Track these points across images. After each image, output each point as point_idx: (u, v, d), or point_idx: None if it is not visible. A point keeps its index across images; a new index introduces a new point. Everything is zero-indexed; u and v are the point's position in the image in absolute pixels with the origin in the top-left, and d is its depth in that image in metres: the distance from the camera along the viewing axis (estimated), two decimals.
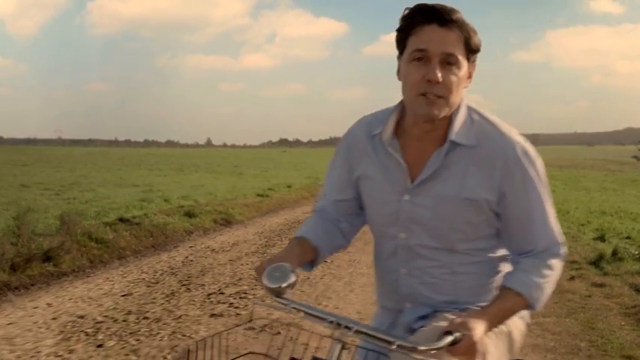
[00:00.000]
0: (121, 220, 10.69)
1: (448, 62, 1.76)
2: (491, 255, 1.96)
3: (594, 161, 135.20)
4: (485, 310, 1.73)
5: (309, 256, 1.92)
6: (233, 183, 24.49)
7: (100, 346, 4.77)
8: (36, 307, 5.89)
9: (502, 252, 1.98)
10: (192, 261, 8.42)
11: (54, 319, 5.48)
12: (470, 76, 1.87)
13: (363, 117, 2.05)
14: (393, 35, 1.86)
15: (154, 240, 10.17)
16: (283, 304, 1.67)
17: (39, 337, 4.96)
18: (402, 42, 1.83)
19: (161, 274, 7.41)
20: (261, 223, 13.19)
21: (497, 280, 1.94)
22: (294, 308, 1.66)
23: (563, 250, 1.87)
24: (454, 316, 1.70)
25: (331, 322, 1.61)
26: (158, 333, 5.08)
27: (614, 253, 9.30)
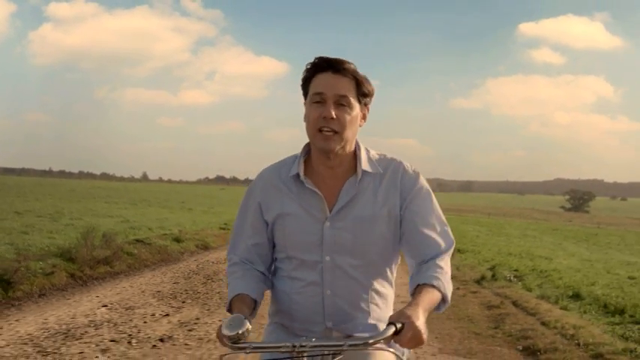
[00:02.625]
0: (137, 240, 14.33)
1: (341, 103, 2.08)
2: (391, 277, 2.29)
3: (522, 210, 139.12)
4: (417, 301, 1.89)
5: (250, 309, 2.07)
6: (191, 217, 27.73)
7: (183, 302, 8.50)
8: (124, 287, 9.56)
9: (392, 280, 2.30)
10: (203, 268, 12.20)
11: (142, 292, 9.19)
12: (364, 117, 2.20)
13: (265, 168, 2.32)
14: None
15: (161, 256, 13.79)
16: (244, 347, 1.83)
17: (144, 298, 8.67)
18: (305, 89, 2.16)
19: (189, 274, 11.18)
20: None
21: (386, 300, 2.28)
22: (255, 347, 1.84)
23: (454, 245, 2.20)
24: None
25: (287, 346, 1.83)
26: (212, 297, 8.83)
27: (493, 275, 13.35)
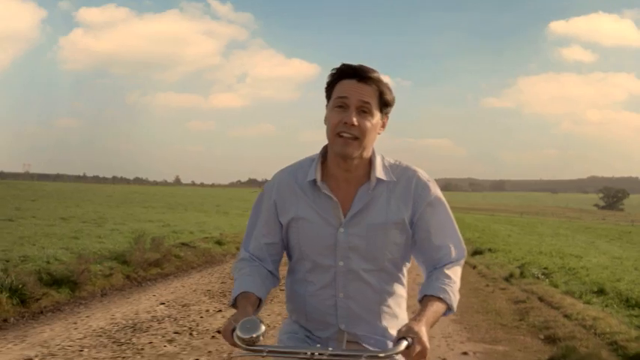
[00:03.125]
0: (183, 244, 15.22)
1: (363, 110, 2.13)
2: (402, 278, 2.36)
3: (555, 208, 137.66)
4: (422, 315, 2.02)
5: (254, 307, 2.12)
6: (227, 221, 28.62)
7: None
8: (176, 287, 10.39)
9: (404, 280, 2.37)
10: None
11: (194, 291, 10.02)
12: (383, 126, 2.25)
13: (281, 170, 2.37)
14: None
15: (206, 258, 14.65)
16: (259, 349, 1.88)
17: (197, 296, 9.50)
18: (328, 93, 2.21)
19: (232, 276, 11.92)
20: None
21: (398, 301, 2.36)
22: (271, 351, 1.89)
23: (465, 255, 2.32)
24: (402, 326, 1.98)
25: (305, 353, 1.87)
26: None
27: (522, 273, 13.97)
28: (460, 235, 2.32)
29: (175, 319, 7.79)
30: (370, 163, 2.26)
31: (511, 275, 13.79)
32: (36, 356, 5.97)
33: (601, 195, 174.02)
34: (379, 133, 2.24)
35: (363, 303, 2.26)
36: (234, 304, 2.17)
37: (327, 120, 2.20)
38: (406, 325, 1.95)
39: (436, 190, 2.29)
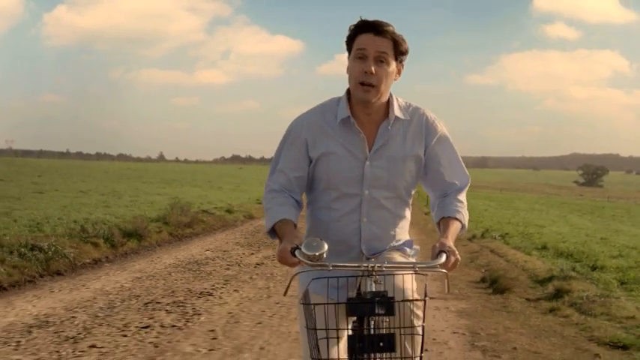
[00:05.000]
0: (203, 211, 18.26)
1: (380, 60, 2.37)
2: (410, 202, 2.64)
3: (535, 185, 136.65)
4: (448, 233, 2.38)
5: None
6: (224, 194, 31.50)
7: (259, 247, 12.35)
8: (211, 241, 13.46)
9: (411, 203, 2.65)
10: (259, 231, 15.95)
11: (227, 243, 13.10)
12: (399, 73, 2.50)
13: (307, 112, 2.61)
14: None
15: (222, 223, 17.64)
16: (325, 265, 2.09)
17: (231, 246, 12.56)
18: (349, 46, 2.46)
19: (252, 232, 15.10)
20: None
21: (405, 223, 2.66)
22: (335, 266, 2.11)
23: (470, 181, 2.62)
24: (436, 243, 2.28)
25: (366, 266, 2.11)
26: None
27: (482, 234, 16.95)
28: (464, 164, 2.67)
29: (224, 258, 10.83)
30: (388, 105, 2.55)
31: (473, 237, 16.71)
32: (140, 277, 8.93)
33: (581, 172, 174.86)
34: (396, 80, 2.52)
35: (382, 226, 2.57)
36: (270, 231, 2.47)
37: (349, 70, 2.50)
38: (439, 241, 2.30)
39: (443, 127, 2.62)
